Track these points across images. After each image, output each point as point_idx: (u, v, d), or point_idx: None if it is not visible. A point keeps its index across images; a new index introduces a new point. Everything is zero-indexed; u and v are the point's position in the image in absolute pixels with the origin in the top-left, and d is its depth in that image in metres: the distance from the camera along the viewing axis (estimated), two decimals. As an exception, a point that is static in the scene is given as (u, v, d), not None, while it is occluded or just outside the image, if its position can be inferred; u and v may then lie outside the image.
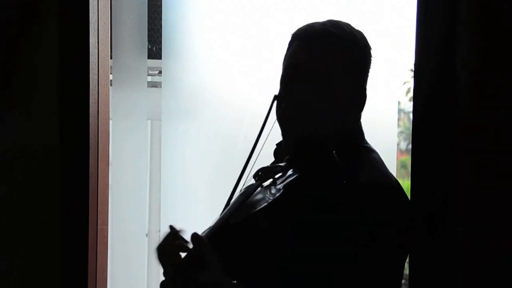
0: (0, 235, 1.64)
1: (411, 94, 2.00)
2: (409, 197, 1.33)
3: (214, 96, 2.13)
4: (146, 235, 2.44)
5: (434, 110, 1.36)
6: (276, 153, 1.44)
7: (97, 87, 1.66)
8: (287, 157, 1.30)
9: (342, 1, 2.07)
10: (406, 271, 1.43)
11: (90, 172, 1.63)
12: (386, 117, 2.07)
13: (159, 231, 2.29)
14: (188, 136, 2.15)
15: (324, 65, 1.29)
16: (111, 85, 2.01)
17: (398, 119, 2.14)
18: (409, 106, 6.65)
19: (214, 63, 2.12)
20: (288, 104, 1.32)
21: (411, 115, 1.42)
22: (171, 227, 1.24)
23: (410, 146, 1.90)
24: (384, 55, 2.04)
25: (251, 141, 1.81)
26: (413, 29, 1.40)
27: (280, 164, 1.29)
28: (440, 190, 1.36)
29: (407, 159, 6.04)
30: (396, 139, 2.11)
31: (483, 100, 1.33)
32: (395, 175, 2.02)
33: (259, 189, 1.25)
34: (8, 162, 1.63)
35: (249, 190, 1.26)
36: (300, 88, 1.30)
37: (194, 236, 1.15)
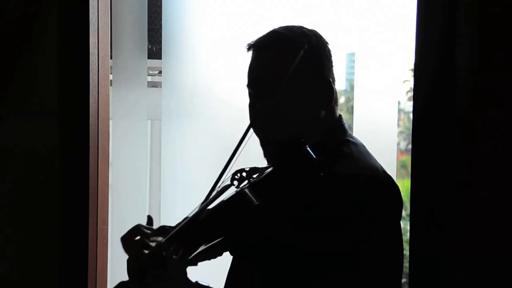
0: (0, 234, 1.64)
1: (411, 94, 2.01)
2: (399, 190, 1.30)
3: (214, 96, 2.13)
4: (146, 235, 2.44)
5: (434, 110, 1.37)
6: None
7: (97, 87, 1.66)
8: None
9: (342, 1, 2.07)
10: (407, 270, 1.44)
11: (90, 172, 1.63)
12: (386, 117, 2.07)
13: (159, 231, 2.29)
14: (188, 136, 2.15)
15: (281, 67, 1.32)
16: (111, 85, 2.01)
17: (398, 119, 2.14)
18: (409, 106, 6.65)
19: (214, 63, 2.12)
20: (257, 112, 1.36)
21: (411, 115, 1.42)
22: (149, 218, 1.33)
23: (410, 146, 1.90)
24: (384, 54, 2.04)
25: (251, 141, 1.80)
26: (413, 29, 1.40)
27: (259, 166, 1.29)
28: (440, 190, 1.36)
29: (407, 159, 6.03)
30: (396, 139, 2.11)
31: (482, 100, 1.33)
32: (395, 175, 2.02)
33: (234, 190, 1.26)
34: (8, 162, 1.64)
35: (222, 190, 1.28)
36: (264, 95, 1.34)
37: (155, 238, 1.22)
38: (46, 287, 1.64)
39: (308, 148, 1.24)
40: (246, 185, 1.23)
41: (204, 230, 1.21)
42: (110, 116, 1.82)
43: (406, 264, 1.43)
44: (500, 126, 1.32)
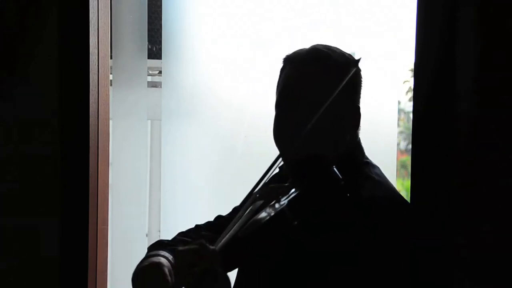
0: None
1: (411, 94, 2.00)
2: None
3: (214, 96, 2.13)
4: (146, 235, 2.44)
5: (434, 110, 1.36)
6: (280, 175, 1.45)
7: (97, 87, 1.66)
8: (290, 177, 1.32)
9: (342, 1, 2.07)
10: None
11: (90, 172, 1.62)
12: (386, 117, 2.07)
13: (159, 231, 2.29)
14: (188, 136, 2.15)
15: (318, 84, 1.34)
16: (111, 85, 2.02)
17: (398, 119, 2.14)
18: (409, 106, 6.65)
19: (214, 63, 2.13)
20: (284, 125, 1.36)
21: (411, 115, 1.42)
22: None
23: (410, 146, 1.90)
24: (384, 54, 2.04)
25: (251, 141, 1.81)
26: (413, 29, 1.40)
27: (284, 184, 1.29)
28: (440, 190, 1.36)
29: (407, 159, 6.04)
30: (396, 139, 2.11)
31: (482, 100, 1.33)
32: (395, 175, 2.03)
33: (264, 207, 1.27)
34: (8, 162, 1.63)
35: (254, 209, 1.27)
36: (296, 108, 1.34)
37: (209, 250, 1.18)
38: (46, 287, 1.64)
39: (334, 168, 1.25)
40: (282, 205, 1.23)
41: (244, 249, 1.22)
42: (110, 116, 1.82)
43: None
44: (500, 126, 1.32)
